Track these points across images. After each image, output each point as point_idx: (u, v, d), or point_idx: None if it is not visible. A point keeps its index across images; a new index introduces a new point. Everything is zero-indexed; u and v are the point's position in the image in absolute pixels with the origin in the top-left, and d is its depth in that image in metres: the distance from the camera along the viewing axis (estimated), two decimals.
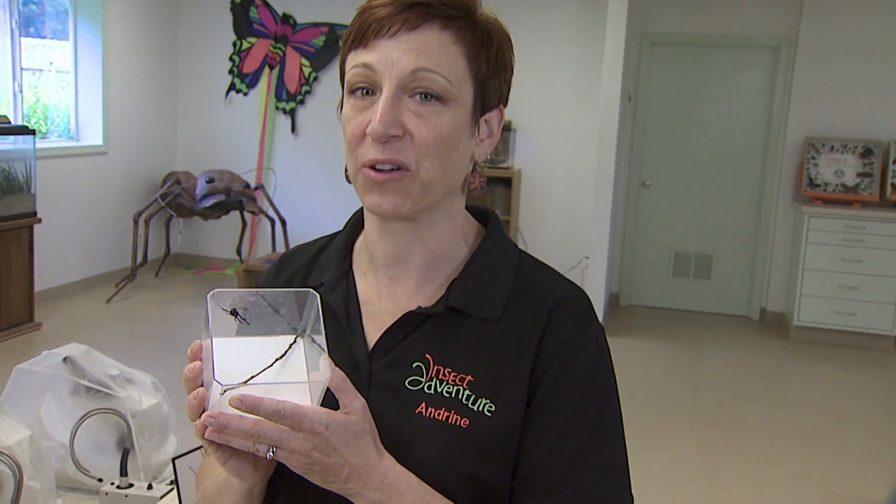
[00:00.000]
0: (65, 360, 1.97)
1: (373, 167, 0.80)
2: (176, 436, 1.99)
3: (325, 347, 0.75)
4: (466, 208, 0.91)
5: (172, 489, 1.68)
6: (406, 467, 0.79)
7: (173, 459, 1.56)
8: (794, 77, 5.77)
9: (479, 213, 0.93)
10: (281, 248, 6.37)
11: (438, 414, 0.81)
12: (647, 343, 5.32)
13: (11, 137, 4.85)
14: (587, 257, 5.47)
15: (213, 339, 0.74)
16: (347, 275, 0.90)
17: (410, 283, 0.87)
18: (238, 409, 0.69)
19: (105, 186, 6.14)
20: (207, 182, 6.02)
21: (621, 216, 6.22)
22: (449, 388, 0.82)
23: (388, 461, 0.77)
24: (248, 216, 6.60)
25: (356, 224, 0.95)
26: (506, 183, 5.98)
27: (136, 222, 5.92)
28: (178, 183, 6.26)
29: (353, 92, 0.82)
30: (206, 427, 0.69)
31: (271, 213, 6.28)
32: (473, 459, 0.80)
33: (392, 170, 0.80)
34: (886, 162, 5.53)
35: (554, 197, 6.15)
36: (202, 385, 0.74)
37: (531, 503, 0.81)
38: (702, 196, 6.17)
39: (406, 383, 0.83)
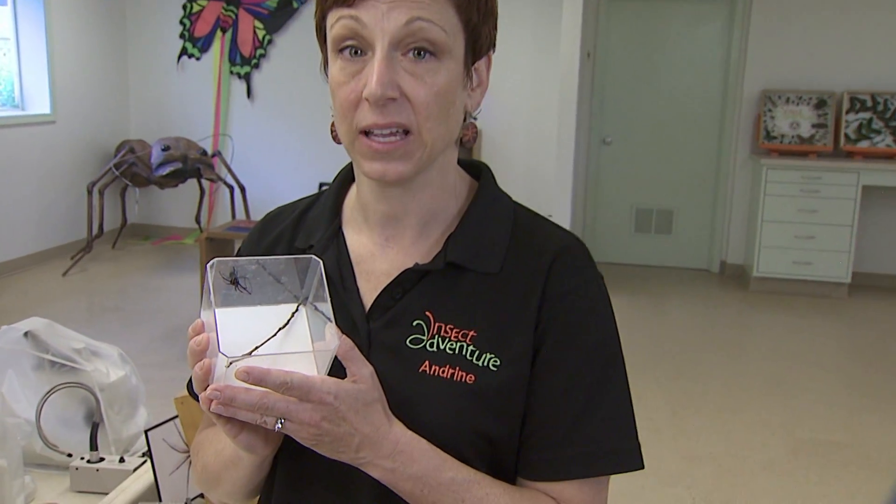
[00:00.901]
0: (26, 334, 1.91)
1: (368, 133, 0.77)
2: (146, 408, 1.95)
3: (330, 316, 0.72)
4: (458, 162, 0.89)
5: (145, 461, 1.65)
6: (413, 428, 0.77)
7: (146, 431, 1.54)
8: (751, 29, 5.80)
9: (471, 167, 0.91)
10: (241, 216, 6.27)
11: (443, 371, 0.79)
12: (613, 297, 5.36)
13: None
14: (550, 216, 5.48)
15: (216, 310, 0.71)
16: (338, 234, 0.88)
17: (406, 241, 0.85)
18: (244, 381, 0.67)
19: (55, 156, 5.96)
20: (163, 150, 5.88)
21: (582, 173, 6.23)
22: (452, 344, 0.80)
23: (399, 428, 0.76)
24: (205, 184, 6.47)
25: (344, 181, 0.92)
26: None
27: (90, 192, 5.77)
28: (132, 152, 6.10)
29: (340, 52, 0.77)
30: (212, 401, 0.67)
31: (230, 180, 6.17)
32: (481, 415, 0.79)
33: (393, 133, 0.77)
34: (840, 112, 5.62)
35: (515, 156, 6.14)
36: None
37: (540, 456, 0.81)
38: (662, 151, 6.21)
39: (407, 342, 0.81)
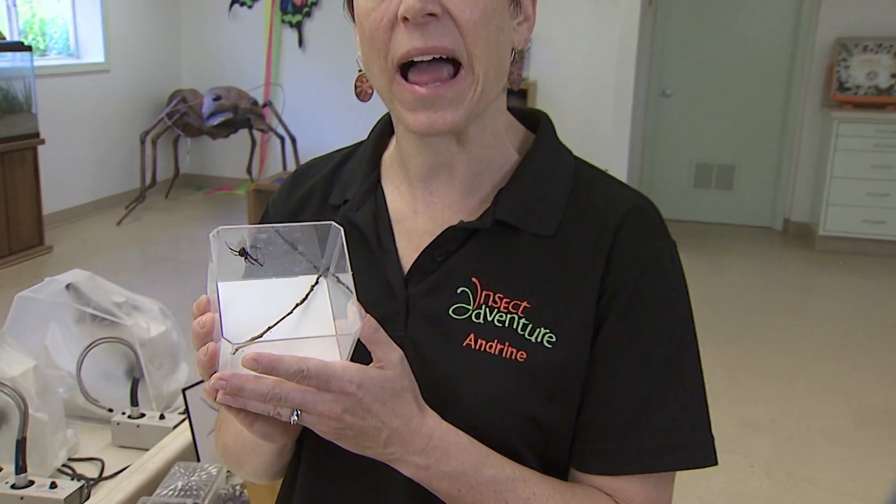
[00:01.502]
0: (68, 286, 1.88)
1: (407, 73, 0.68)
2: (187, 364, 1.91)
3: (352, 289, 0.63)
4: (511, 110, 0.78)
5: (185, 419, 1.61)
6: (453, 411, 0.69)
7: (183, 390, 1.48)
8: None
9: (527, 116, 0.80)
10: (291, 167, 6.23)
11: (490, 347, 0.70)
12: None
13: (8, 54, 4.67)
14: (606, 169, 5.31)
15: (220, 286, 0.62)
16: (376, 189, 0.78)
17: (452, 196, 0.75)
18: (253, 370, 0.58)
19: (109, 105, 5.98)
20: (214, 100, 5.85)
21: (640, 127, 6.02)
22: (501, 316, 0.71)
23: (433, 420, 0.67)
24: (256, 134, 6.44)
25: (383, 131, 0.82)
26: (521, 95, 5.77)
27: (142, 142, 5.79)
28: (184, 101, 6.08)
29: None
30: (217, 390, 0.59)
31: (280, 130, 6.12)
32: (532, 398, 0.70)
33: (438, 60, 0.67)
34: None
35: (570, 108, 5.94)
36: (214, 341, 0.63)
37: (598, 447, 0.71)
38: (724, 104, 5.94)
39: (450, 312, 0.71)
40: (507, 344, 0.70)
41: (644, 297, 0.71)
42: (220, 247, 0.63)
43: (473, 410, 0.69)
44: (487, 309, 0.71)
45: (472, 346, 0.70)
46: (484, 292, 0.72)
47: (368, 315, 0.63)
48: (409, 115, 0.68)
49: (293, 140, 5.99)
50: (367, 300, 0.74)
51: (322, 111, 6.46)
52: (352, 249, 0.76)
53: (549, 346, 0.70)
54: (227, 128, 5.88)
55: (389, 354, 0.64)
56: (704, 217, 6.14)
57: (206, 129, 5.92)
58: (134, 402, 1.70)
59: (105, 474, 1.66)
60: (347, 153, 0.84)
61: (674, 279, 0.73)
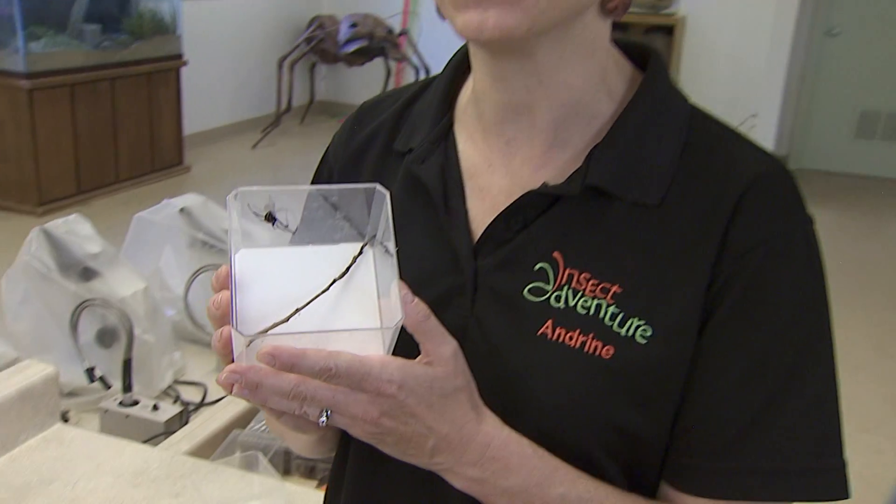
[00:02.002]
0: (181, 210, 1.88)
1: None
2: None
3: (397, 266, 0.52)
4: (617, 44, 0.63)
5: None
6: (521, 410, 0.58)
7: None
8: None
9: (635, 52, 0.65)
10: None
11: (570, 338, 0.58)
12: (819, 212, 4.76)
13: None
14: (754, 115, 4.93)
15: (239, 254, 0.53)
16: (447, 137, 0.66)
17: (534, 147, 0.62)
18: (270, 366, 0.48)
19: (250, 28, 6.07)
20: (350, 27, 5.82)
21: (798, 69, 5.52)
22: (587, 301, 0.58)
23: (491, 425, 0.56)
24: (392, 63, 6.38)
25: (458, 67, 0.69)
26: (667, 31, 5.40)
27: (280, 67, 5.86)
28: (321, 27, 6.09)
29: None
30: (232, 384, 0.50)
31: (416, 60, 6.03)
32: (618, 402, 0.58)
33: None
34: None
35: (721, 47, 5.52)
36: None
37: (698, 464, 0.58)
38: None
39: (525, 292, 0.59)
40: (591, 336, 0.57)
41: (767, 285, 0.57)
42: (244, 211, 0.53)
43: (546, 413, 0.57)
44: (570, 291, 0.58)
45: (549, 336, 0.58)
46: (567, 271, 0.59)
47: (417, 299, 0.51)
48: (459, 16, 0.55)
49: (427, 71, 5.89)
50: (429, 271, 0.62)
51: (458, 42, 6.28)
52: (413, 210, 0.64)
53: (643, 340, 0.57)
54: (362, 55, 5.85)
55: (440, 348, 0.52)
56: (865, 170, 5.62)
57: (341, 55, 5.92)
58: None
59: (207, 400, 1.67)
60: (417, 90, 0.71)
61: (807, 265, 0.58)
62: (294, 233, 0.55)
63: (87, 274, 1.64)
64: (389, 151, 0.68)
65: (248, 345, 0.48)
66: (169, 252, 1.87)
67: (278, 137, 5.98)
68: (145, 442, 1.46)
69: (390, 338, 0.50)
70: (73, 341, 1.58)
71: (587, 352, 0.57)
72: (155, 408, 1.52)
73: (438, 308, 0.59)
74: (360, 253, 0.54)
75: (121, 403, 1.52)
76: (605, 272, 0.58)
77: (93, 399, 1.59)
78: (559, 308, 0.58)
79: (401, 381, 0.50)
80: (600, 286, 0.58)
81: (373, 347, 0.50)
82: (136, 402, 1.53)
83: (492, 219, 0.61)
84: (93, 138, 4.46)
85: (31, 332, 1.65)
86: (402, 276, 0.52)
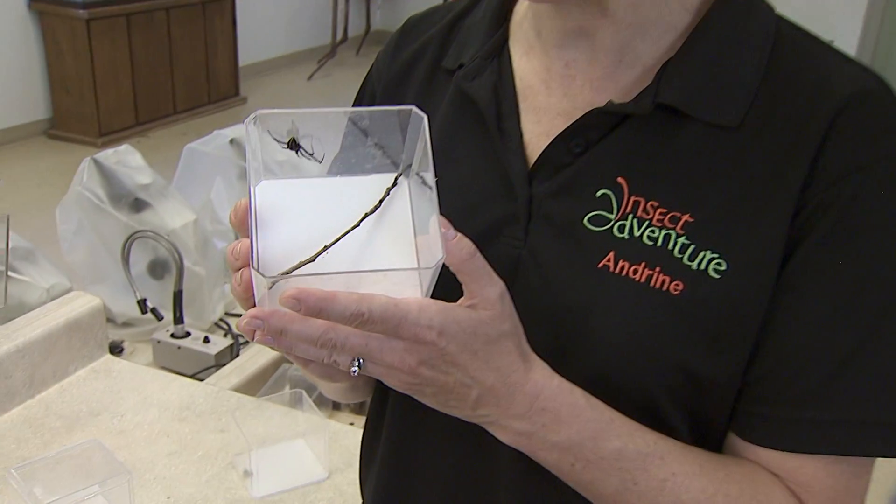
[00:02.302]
0: (231, 141, 1.86)
1: None
2: None
3: (437, 200, 0.46)
4: None
5: None
6: (579, 351, 0.53)
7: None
8: None
9: None
10: None
11: (635, 271, 0.53)
12: None
13: None
14: (832, 41, 4.65)
15: (260, 186, 0.48)
16: (501, 53, 0.61)
17: (597, 68, 0.56)
18: (294, 310, 0.44)
19: None
20: None
21: None
22: (653, 231, 0.53)
23: (541, 374, 0.51)
24: None
25: None
26: None
27: None
28: None
29: None
30: (254, 330, 0.45)
31: None
32: (687, 342, 0.52)
33: None
34: None
35: None
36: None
37: (770, 414, 0.53)
38: None
39: (585, 221, 0.54)
40: (657, 269, 0.52)
41: (861, 215, 0.50)
42: (263, 138, 0.48)
43: (606, 354, 0.52)
44: (635, 220, 0.53)
45: (611, 269, 0.53)
46: (632, 198, 0.53)
47: (460, 235, 0.46)
48: None
49: None
50: (478, 198, 0.57)
51: None
52: (461, 132, 0.59)
53: (717, 275, 0.51)
54: None
55: (486, 289, 0.47)
56: None
57: None
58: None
59: None
60: (470, 3, 0.65)
61: None
62: (320, 161, 0.51)
63: (138, 205, 1.64)
64: (438, 69, 0.63)
65: (271, 287, 0.44)
66: (220, 183, 1.85)
67: (334, 68, 5.92)
68: (196, 374, 1.47)
69: (429, 279, 0.46)
70: (125, 272, 1.58)
71: (653, 286, 0.52)
72: (206, 340, 1.52)
73: (488, 238, 0.54)
74: (394, 184, 0.49)
75: (172, 335, 1.53)
76: (675, 200, 0.52)
77: (146, 330, 1.61)
78: (623, 238, 0.53)
79: (441, 327, 0.45)
80: (669, 215, 0.52)
81: (409, 290, 0.46)
82: (187, 334, 1.54)
83: (549, 142, 0.56)
84: (149, 69, 4.48)
85: (85, 262, 1.66)
86: (447, 205, 0.46)
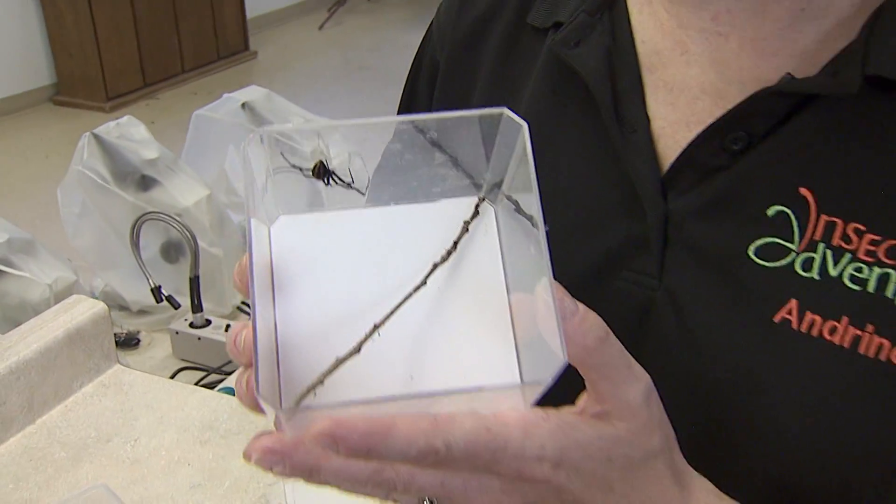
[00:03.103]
0: (243, 105, 1.70)
1: None
2: None
3: (547, 255, 0.29)
4: None
5: None
6: (741, 444, 0.38)
7: None
8: None
9: None
10: None
11: (832, 330, 0.36)
12: None
13: None
14: None
15: (272, 230, 0.33)
16: (614, 5, 0.44)
17: (763, 24, 0.38)
18: (330, 450, 0.27)
19: None
20: None
21: None
22: (860, 269, 0.36)
23: (704, 491, 0.35)
24: None
25: None
26: None
27: None
28: None
29: None
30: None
31: None
32: None
33: None
34: None
35: None
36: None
37: None
38: None
39: (751, 252, 0.38)
40: (869, 329, 0.35)
41: None
42: (273, 157, 0.33)
43: (788, 450, 0.37)
44: (830, 252, 0.36)
45: (793, 325, 0.36)
46: (823, 218, 0.36)
47: (584, 310, 0.30)
48: None
49: None
50: (588, 216, 0.41)
51: None
52: (562, 120, 0.43)
53: None
54: None
55: (623, 389, 0.31)
56: None
57: None
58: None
59: None
60: None
61: None
62: (363, 193, 0.36)
63: (146, 183, 1.49)
64: (522, 26, 0.46)
65: (289, 419, 0.28)
66: (233, 152, 1.70)
67: (345, 16, 5.68)
68: (221, 367, 1.34)
69: (539, 392, 0.30)
70: (136, 258, 1.45)
71: (863, 354, 0.36)
72: (228, 328, 1.39)
73: (603, 275, 0.39)
74: (475, 214, 0.34)
75: (192, 325, 1.40)
76: (893, 221, 0.36)
77: (164, 318, 1.48)
78: (811, 279, 0.37)
79: (557, 456, 0.29)
80: (885, 245, 0.36)
81: (507, 401, 0.30)
82: (207, 323, 1.41)
83: (692, 135, 0.39)
84: (154, 27, 4.28)
85: (93, 247, 1.52)
86: (547, 232, 0.31)
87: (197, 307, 1.40)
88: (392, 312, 0.31)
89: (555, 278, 0.29)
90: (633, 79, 0.41)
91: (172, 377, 1.29)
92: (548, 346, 0.28)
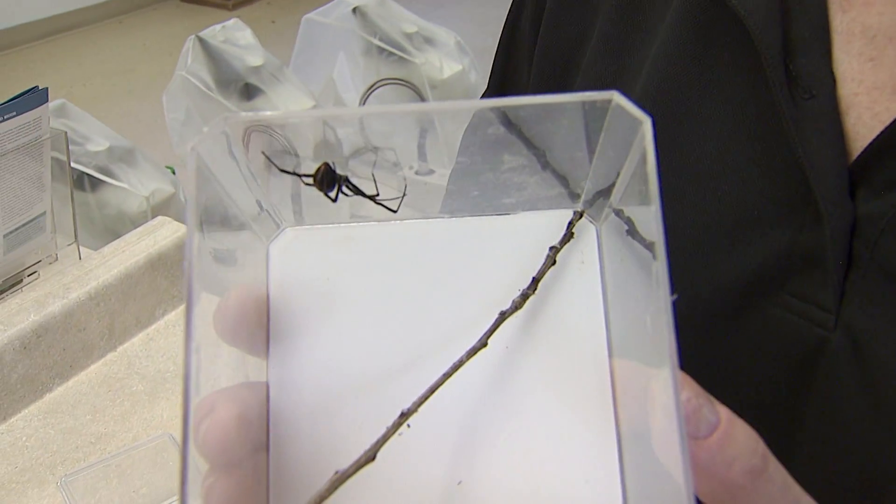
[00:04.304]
0: (354, 10, 1.59)
1: None
2: None
3: (671, 313, 0.17)
4: None
5: None
6: None
7: None
8: None
9: None
10: None
11: None
12: None
13: None
14: None
15: (269, 247, 0.24)
16: None
17: None
18: None
19: None
20: None
21: None
22: None
23: None
24: None
25: None
26: None
27: None
28: None
29: None
30: None
31: None
32: None
33: None
34: None
35: None
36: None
37: None
38: None
39: None
40: None
41: None
42: (250, 158, 0.23)
43: None
44: None
45: None
46: None
47: (727, 414, 0.18)
48: None
49: None
50: (738, 217, 0.29)
51: None
52: (709, 71, 0.31)
53: None
54: None
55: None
56: None
57: None
58: (422, 156, 1.44)
59: None
60: None
61: None
62: (395, 211, 0.25)
63: (249, 91, 1.43)
64: None
65: None
66: (342, 60, 1.61)
67: None
68: None
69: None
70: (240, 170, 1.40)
71: None
72: None
73: (755, 299, 0.28)
74: (570, 236, 0.22)
75: None
76: None
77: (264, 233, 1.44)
78: None
79: None
80: None
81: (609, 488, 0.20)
82: None
83: None
84: None
85: None
86: (669, 223, 0.19)
87: (299, 222, 1.35)
88: (431, 392, 0.20)
89: (680, 353, 0.17)
90: (815, 20, 0.28)
91: None
92: (665, 472, 0.17)
